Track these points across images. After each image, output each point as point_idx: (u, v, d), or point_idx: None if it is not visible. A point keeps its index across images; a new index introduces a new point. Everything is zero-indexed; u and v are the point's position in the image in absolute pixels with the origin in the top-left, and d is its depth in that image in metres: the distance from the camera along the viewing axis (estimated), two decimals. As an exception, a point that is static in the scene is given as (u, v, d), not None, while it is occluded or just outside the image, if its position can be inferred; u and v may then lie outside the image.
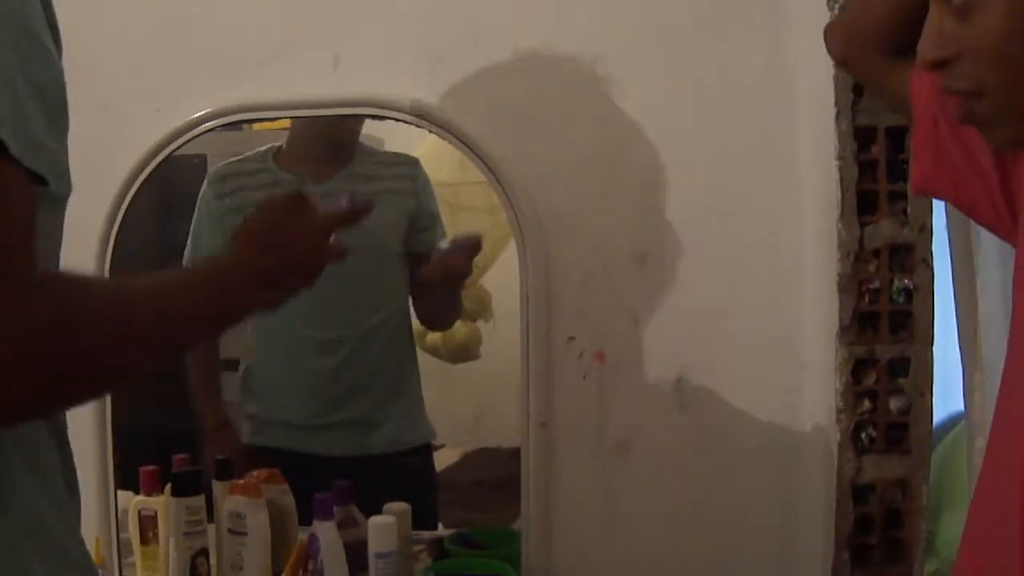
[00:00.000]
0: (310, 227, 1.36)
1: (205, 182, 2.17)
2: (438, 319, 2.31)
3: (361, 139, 2.19)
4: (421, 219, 2.20)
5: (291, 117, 2.06)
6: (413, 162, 2.19)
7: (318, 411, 2.22)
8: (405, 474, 2.21)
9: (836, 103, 1.73)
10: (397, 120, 1.84)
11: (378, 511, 1.88)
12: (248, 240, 1.28)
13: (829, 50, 1.42)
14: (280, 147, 2.22)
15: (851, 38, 1.35)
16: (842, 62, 1.42)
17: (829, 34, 1.42)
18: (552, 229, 1.82)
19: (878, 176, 1.75)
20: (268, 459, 2.18)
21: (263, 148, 2.23)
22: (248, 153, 2.22)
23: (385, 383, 2.23)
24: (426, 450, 2.28)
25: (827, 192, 1.74)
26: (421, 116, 1.81)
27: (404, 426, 2.24)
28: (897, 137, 1.74)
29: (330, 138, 2.20)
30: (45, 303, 0.83)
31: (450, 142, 1.83)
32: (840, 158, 1.73)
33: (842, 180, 1.73)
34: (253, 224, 1.32)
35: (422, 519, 1.99)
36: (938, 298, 1.77)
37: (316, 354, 2.20)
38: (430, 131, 1.83)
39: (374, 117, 1.91)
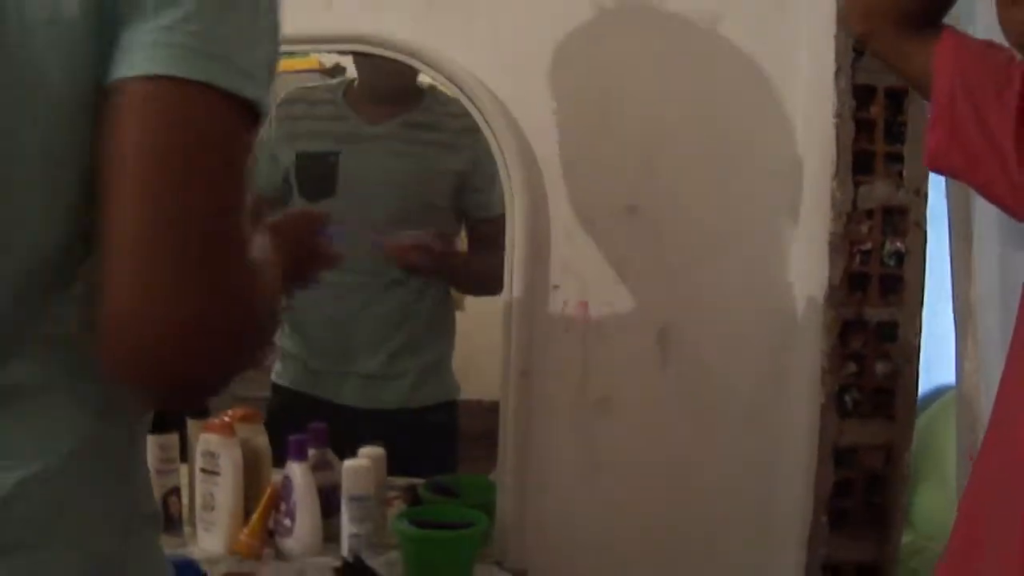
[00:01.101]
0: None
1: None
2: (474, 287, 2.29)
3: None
4: (475, 178, 2.14)
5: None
6: None
7: (335, 359, 2.19)
8: (426, 431, 2.17)
9: (836, 60, 1.71)
10: (389, 58, 1.81)
11: (399, 467, 1.90)
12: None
13: (849, 25, 1.40)
14: (352, 81, 2.19)
15: (872, 12, 1.34)
16: (863, 37, 1.39)
17: (849, 8, 1.40)
18: (542, 176, 1.79)
19: (875, 136, 1.73)
20: (292, 402, 2.19)
21: (337, 80, 2.20)
22: (325, 82, 2.21)
23: (404, 338, 2.19)
24: (449, 408, 2.24)
25: (823, 150, 1.72)
26: (413, 55, 1.77)
27: (423, 382, 2.20)
28: (896, 98, 1.72)
29: (376, 80, 2.15)
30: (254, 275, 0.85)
31: (441, 83, 1.79)
32: (837, 116, 1.71)
33: (838, 139, 1.71)
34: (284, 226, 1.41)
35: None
36: (929, 266, 1.75)
37: (333, 299, 2.13)
38: (421, 70, 1.79)
39: (366, 55, 1.87)
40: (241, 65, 0.83)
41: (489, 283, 2.15)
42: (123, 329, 0.78)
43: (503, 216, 2.04)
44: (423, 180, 2.13)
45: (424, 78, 2.04)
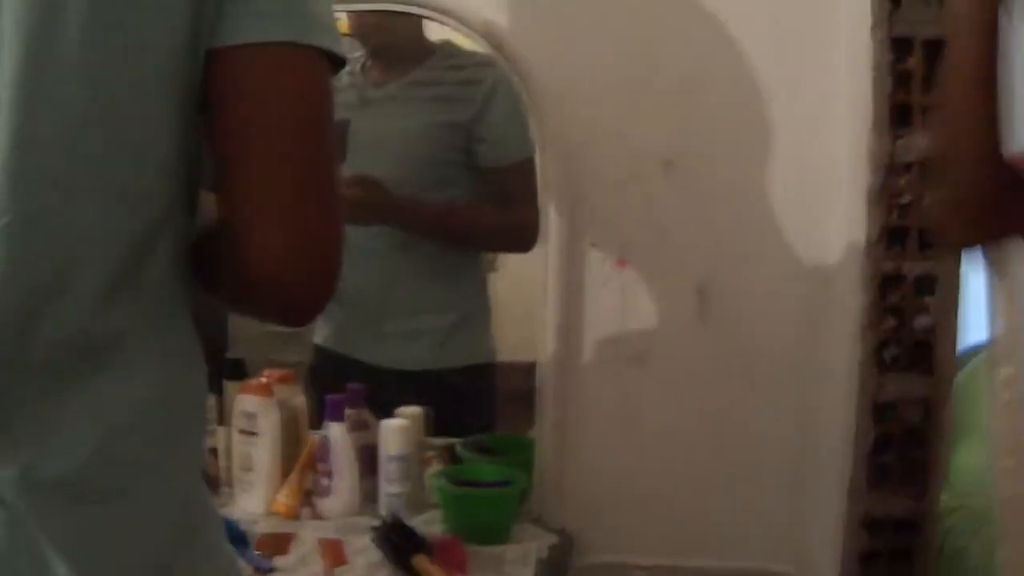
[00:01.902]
0: None
1: None
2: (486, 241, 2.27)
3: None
4: (479, 128, 2.12)
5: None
6: (485, 63, 2.07)
7: (363, 320, 2.18)
8: (460, 393, 2.16)
9: (873, 12, 1.68)
10: (421, 16, 1.81)
11: (443, 429, 1.93)
12: None
13: (948, 239, 1.38)
14: None
15: (973, 222, 1.26)
16: (971, 245, 1.35)
17: (944, 224, 1.35)
18: (577, 134, 1.78)
19: (913, 89, 1.70)
20: (331, 363, 2.22)
21: (358, 53, 2.21)
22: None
23: (424, 297, 2.18)
24: (483, 370, 2.24)
25: (861, 103, 1.69)
26: (452, 15, 1.76)
27: (448, 343, 2.19)
28: (934, 50, 1.70)
29: (371, 40, 2.16)
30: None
31: (475, 40, 1.78)
32: (875, 68, 1.69)
33: (876, 91, 1.68)
34: None
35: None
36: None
37: (352, 262, 2.13)
38: (454, 28, 1.78)
39: (394, 13, 1.86)
40: (324, 23, 0.94)
41: (504, 237, 2.16)
42: (270, 260, 0.91)
43: (515, 166, 2.06)
44: (426, 136, 2.13)
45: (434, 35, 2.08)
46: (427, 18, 1.84)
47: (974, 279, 1.78)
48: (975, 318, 1.88)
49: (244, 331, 2.50)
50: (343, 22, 2.08)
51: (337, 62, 0.95)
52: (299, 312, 0.99)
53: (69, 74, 0.84)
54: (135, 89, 0.88)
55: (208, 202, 0.97)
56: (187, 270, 0.97)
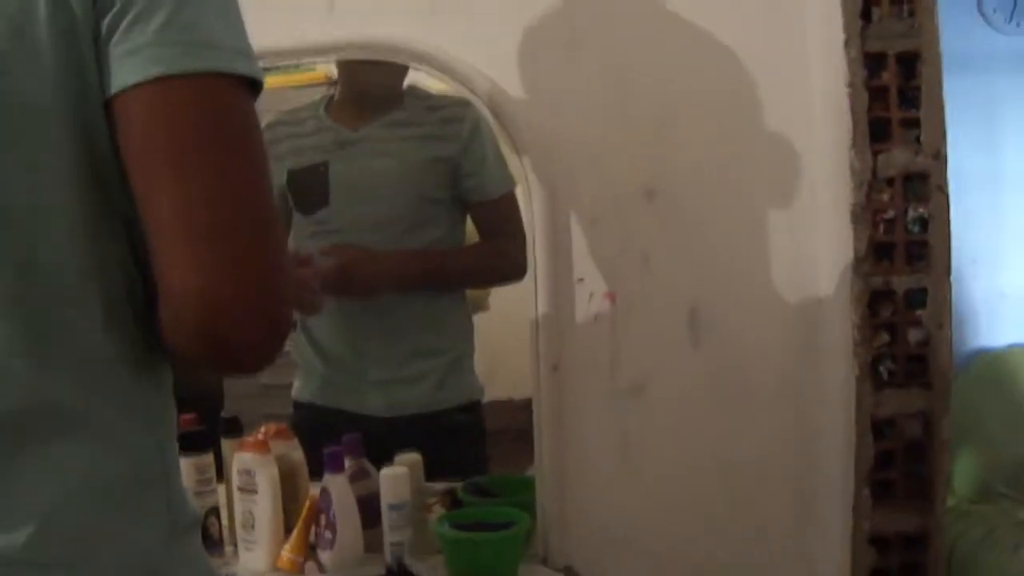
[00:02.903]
0: None
1: None
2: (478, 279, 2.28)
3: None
4: (465, 163, 2.13)
5: (284, 65, 2.02)
6: (463, 104, 2.08)
7: (351, 369, 2.18)
8: (451, 433, 2.15)
9: (845, 29, 1.69)
10: (396, 62, 1.81)
11: (437, 470, 1.91)
12: None
13: None
14: (333, 95, 2.23)
15: None
16: None
17: None
18: (558, 169, 1.77)
19: (889, 103, 1.71)
20: (316, 416, 2.20)
21: (319, 97, 2.23)
22: (305, 103, 2.24)
23: (418, 342, 2.17)
24: (473, 408, 2.22)
25: (838, 121, 1.70)
26: (420, 58, 1.76)
27: (442, 385, 2.18)
28: (908, 63, 1.71)
29: (361, 86, 2.17)
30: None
31: (450, 84, 1.78)
32: (850, 85, 1.70)
33: (853, 108, 1.70)
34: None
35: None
36: (954, 227, 1.74)
37: (343, 311, 2.14)
38: (429, 73, 1.78)
39: (373, 62, 1.87)
40: (233, 46, 0.91)
41: (496, 271, 2.16)
42: (187, 308, 0.86)
43: (504, 198, 2.07)
44: (412, 174, 2.12)
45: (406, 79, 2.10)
46: (407, 64, 1.84)
47: (966, 287, 1.79)
48: (964, 326, 1.89)
49: (237, 387, 2.50)
50: (319, 73, 2.10)
51: (252, 82, 0.92)
52: (242, 354, 0.91)
53: None
54: (16, 159, 0.87)
55: None
56: (137, 329, 0.94)
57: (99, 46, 0.88)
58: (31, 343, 0.87)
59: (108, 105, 0.89)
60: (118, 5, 0.88)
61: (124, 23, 0.87)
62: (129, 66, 0.87)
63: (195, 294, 0.85)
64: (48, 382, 0.88)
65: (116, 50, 0.87)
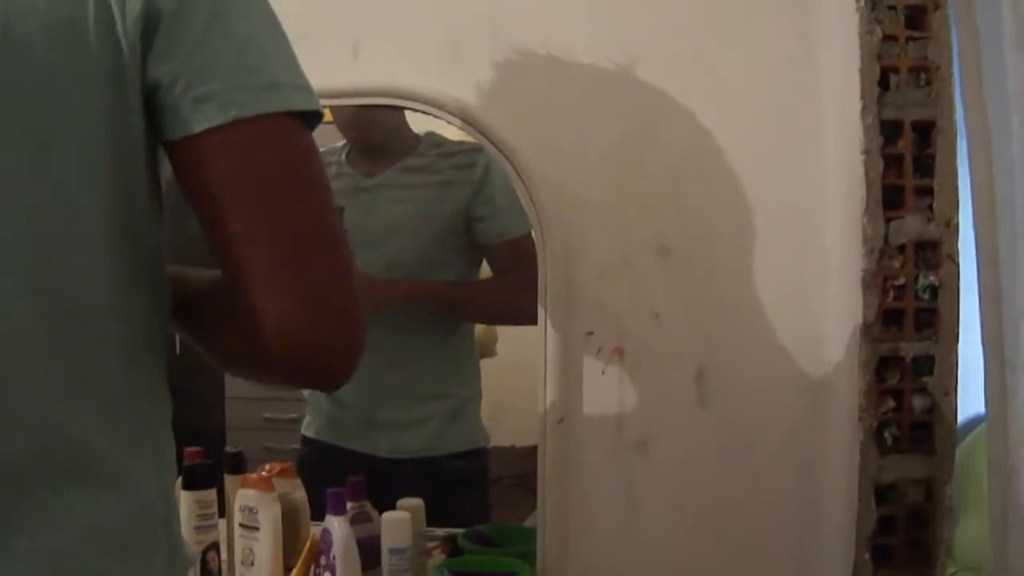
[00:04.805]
0: None
1: None
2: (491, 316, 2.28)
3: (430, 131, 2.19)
4: (477, 208, 2.15)
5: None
6: (476, 150, 2.11)
7: (357, 409, 2.19)
8: (454, 478, 2.16)
9: (862, 96, 1.70)
10: (416, 111, 1.82)
11: (438, 515, 1.91)
12: None
13: None
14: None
15: None
16: None
17: None
18: (572, 221, 1.79)
19: (904, 171, 1.72)
20: (322, 454, 2.20)
21: (341, 143, 2.25)
22: (329, 147, 2.25)
23: (424, 385, 2.19)
24: (477, 455, 2.24)
25: (852, 187, 1.71)
26: (440, 106, 1.78)
27: (447, 430, 2.19)
28: (924, 131, 1.72)
29: (358, 134, 2.18)
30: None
31: (469, 132, 1.80)
32: (865, 152, 1.71)
33: (867, 174, 1.70)
34: None
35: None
36: (962, 295, 1.74)
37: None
38: (448, 121, 1.80)
39: (393, 108, 1.88)
40: (294, 83, 0.95)
41: (510, 308, 2.16)
42: (286, 337, 0.91)
43: (517, 240, 2.08)
44: (425, 220, 2.15)
45: (417, 124, 2.13)
46: (411, 109, 1.85)
47: (970, 353, 1.79)
48: (967, 393, 1.89)
49: (240, 420, 2.51)
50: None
51: (311, 113, 0.96)
52: (325, 375, 0.99)
53: None
54: (56, 192, 0.88)
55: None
56: (154, 366, 0.97)
57: (153, 90, 0.91)
58: (57, 380, 0.87)
59: (172, 147, 0.92)
60: (173, 56, 0.90)
61: (186, 71, 0.90)
62: (203, 112, 0.90)
63: (291, 321, 0.91)
64: (73, 420, 0.88)
65: (184, 98, 0.91)
